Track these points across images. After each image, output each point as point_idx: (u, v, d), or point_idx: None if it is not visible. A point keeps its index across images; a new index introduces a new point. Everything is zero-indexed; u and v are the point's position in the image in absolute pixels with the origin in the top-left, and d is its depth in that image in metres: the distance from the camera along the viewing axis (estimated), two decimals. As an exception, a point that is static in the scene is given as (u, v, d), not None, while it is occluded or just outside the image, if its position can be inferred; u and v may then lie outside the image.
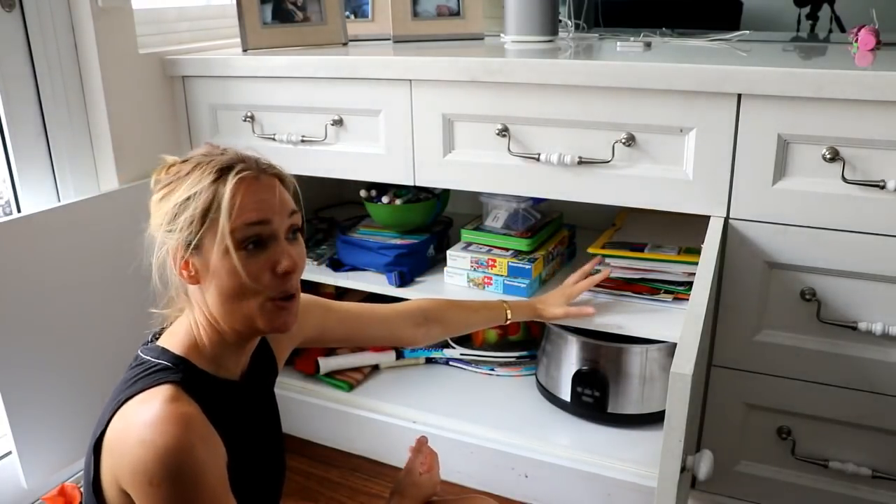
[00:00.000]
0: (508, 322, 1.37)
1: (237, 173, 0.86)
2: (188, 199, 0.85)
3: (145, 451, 0.78)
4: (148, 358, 0.88)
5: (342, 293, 1.87)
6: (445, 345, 1.82)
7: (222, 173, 0.86)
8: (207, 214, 0.84)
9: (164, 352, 0.89)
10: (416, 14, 1.69)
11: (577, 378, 1.52)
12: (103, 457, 0.84)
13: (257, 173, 0.88)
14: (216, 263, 0.85)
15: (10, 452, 1.35)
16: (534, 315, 1.40)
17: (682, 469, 0.88)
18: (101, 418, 0.86)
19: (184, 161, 0.91)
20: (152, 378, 0.85)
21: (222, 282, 0.86)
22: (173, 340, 0.91)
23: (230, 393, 0.93)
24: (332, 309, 1.16)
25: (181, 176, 0.87)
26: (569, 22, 1.77)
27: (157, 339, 0.94)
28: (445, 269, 1.54)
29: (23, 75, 1.40)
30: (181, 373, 0.86)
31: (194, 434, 0.81)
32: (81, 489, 0.96)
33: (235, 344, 0.93)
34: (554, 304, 1.39)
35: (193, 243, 0.85)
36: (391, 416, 1.63)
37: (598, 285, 1.44)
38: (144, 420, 0.80)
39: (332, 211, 2.03)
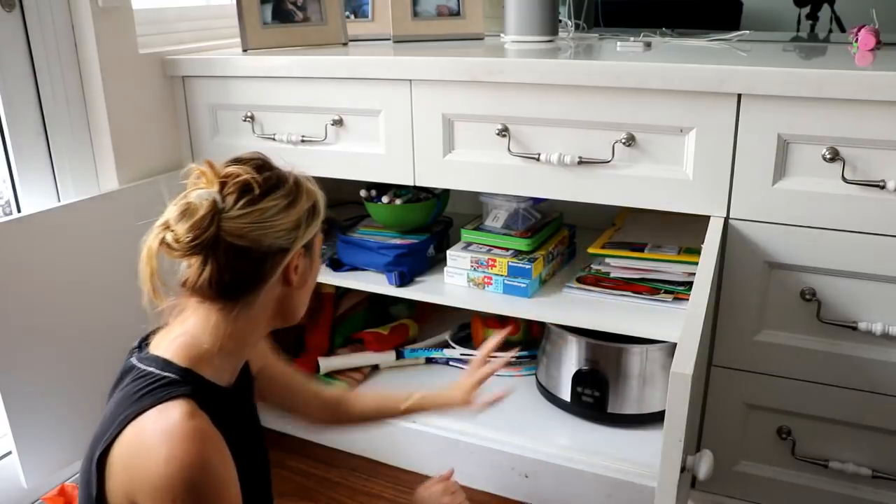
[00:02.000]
0: (403, 411, 1.25)
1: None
2: (315, 204, 0.95)
3: (168, 468, 0.78)
4: (150, 369, 0.87)
5: (342, 293, 1.87)
6: (445, 345, 1.82)
7: (318, 192, 0.98)
8: (319, 219, 0.96)
9: (168, 363, 0.88)
10: (416, 14, 1.69)
11: (577, 378, 1.52)
12: (111, 473, 0.83)
13: None
14: (317, 259, 0.99)
15: (10, 452, 1.35)
16: (437, 409, 1.28)
17: (682, 469, 0.88)
18: (103, 432, 0.85)
19: (270, 169, 0.93)
20: (162, 392, 0.84)
21: (316, 276, 1.00)
22: (174, 349, 0.89)
23: (230, 401, 0.94)
24: (271, 360, 1.16)
25: (291, 184, 0.93)
26: (569, 22, 1.77)
27: (146, 345, 0.92)
28: (445, 268, 1.54)
29: (23, 75, 1.40)
30: (190, 385, 0.86)
31: (213, 449, 0.82)
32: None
33: (251, 346, 0.96)
34: (456, 399, 1.26)
35: (308, 244, 0.95)
36: (391, 416, 1.63)
37: (598, 285, 1.44)
38: (164, 437, 0.80)
39: (332, 211, 2.00)
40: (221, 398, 0.91)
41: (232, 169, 0.89)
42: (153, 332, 0.95)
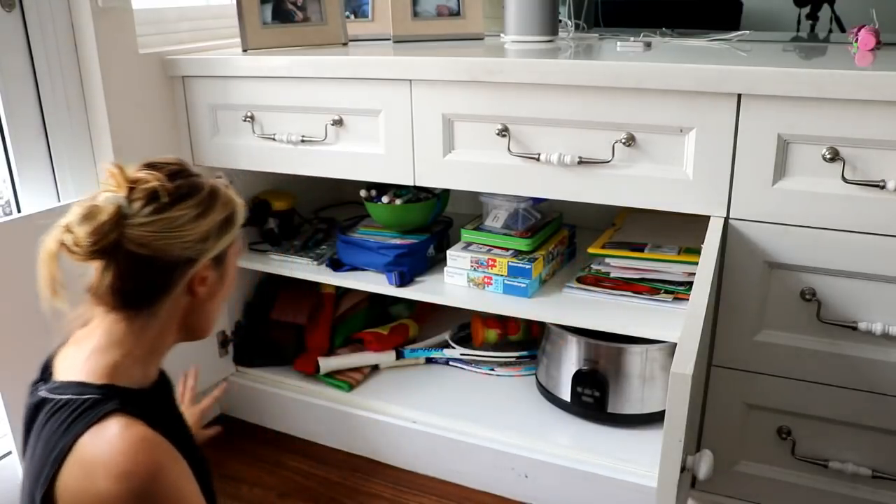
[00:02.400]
0: None
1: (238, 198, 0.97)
2: (231, 216, 0.93)
3: (124, 484, 0.77)
4: (67, 397, 0.85)
5: (342, 293, 1.87)
6: (445, 345, 1.82)
7: (238, 201, 0.97)
8: (234, 231, 0.94)
9: (84, 385, 0.86)
10: (416, 14, 1.69)
11: (577, 378, 1.52)
12: None
13: None
14: (231, 272, 0.97)
15: (10, 452, 1.35)
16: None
17: (682, 469, 0.88)
18: (38, 473, 0.82)
19: (185, 177, 0.91)
20: (90, 415, 0.82)
21: (229, 289, 0.98)
22: (87, 370, 0.87)
23: (154, 401, 0.93)
24: None
25: (206, 194, 0.90)
26: (569, 22, 1.77)
27: (50, 375, 0.90)
28: (445, 268, 1.54)
29: (23, 75, 1.40)
30: (115, 398, 0.84)
31: (161, 452, 0.81)
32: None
33: (162, 354, 0.95)
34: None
35: (220, 257, 0.93)
36: (391, 416, 1.63)
37: (597, 285, 1.44)
38: (110, 456, 0.79)
39: (332, 211, 2.03)
40: (147, 401, 0.90)
41: (142, 174, 0.87)
42: (52, 359, 0.93)
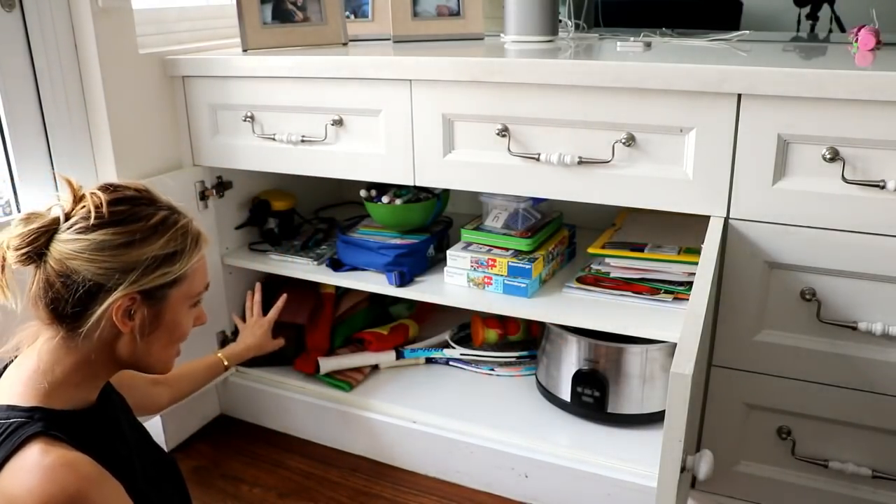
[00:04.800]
0: (227, 368, 1.46)
1: (202, 239, 0.95)
2: (174, 254, 0.89)
3: None
4: None
5: (342, 293, 1.87)
6: (445, 345, 1.82)
7: (199, 236, 0.93)
8: (185, 272, 0.91)
9: (11, 408, 0.86)
10: (416, 14, 1.69)
11: (577, 378, 1.52)
12: None
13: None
14: (173, 316, 0.93)
15: None
16: (246, 352, 1.54)
17: (682, 469, 0.88)
18: None
19: (135, 203, 0.89)
20: (11, 441, 0.82)
21: (174, 332, 0.95)
22: (19, 392, 0.88)
23: (93, 421, 0.92)
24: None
25: (147, 226, 0.88)
26: (569, 22, 1.77)
27: None
28: (445, 268, 1.54)
29: (23, 75, 1.40)
30: (41, 422, 0.84)
31: (82, 477, 0.80)
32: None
33: (101, 378, 0.94)
34: (255, 343, 1.56)
35: (156, 295, 0.90)
36: (391, 416, 1.63)
37: (597, 285, 1.44)
38: (29, 485, 0.78)
39: (332, 211, 2.03)
40: (82, 422, 0.89)
41: (87, 192, 0.88)
42: None
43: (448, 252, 1.54)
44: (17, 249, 0.85)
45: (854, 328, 1.19)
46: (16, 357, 0.94)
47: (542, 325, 1.64)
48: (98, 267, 0.85)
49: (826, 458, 1.28)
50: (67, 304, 0.86)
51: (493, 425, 1.56)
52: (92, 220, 0.86)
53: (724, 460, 1.34)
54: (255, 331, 1.58)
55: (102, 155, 1.52)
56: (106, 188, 0.90)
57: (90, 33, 1.44)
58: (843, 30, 1.67)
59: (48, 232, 0.86)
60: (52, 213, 0.87)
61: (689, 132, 1.21)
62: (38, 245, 0.85)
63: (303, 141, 1.52)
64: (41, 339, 0.91)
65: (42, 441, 0.82)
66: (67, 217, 0.87)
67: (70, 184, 0.88)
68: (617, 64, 1.22)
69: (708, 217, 1.23)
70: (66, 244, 0.85)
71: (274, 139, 1.54)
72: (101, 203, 0.86)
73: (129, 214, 0.88)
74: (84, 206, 0.87)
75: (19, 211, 1.43)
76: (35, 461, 0.80)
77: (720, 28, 1.64)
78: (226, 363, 1.45)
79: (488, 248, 1.52)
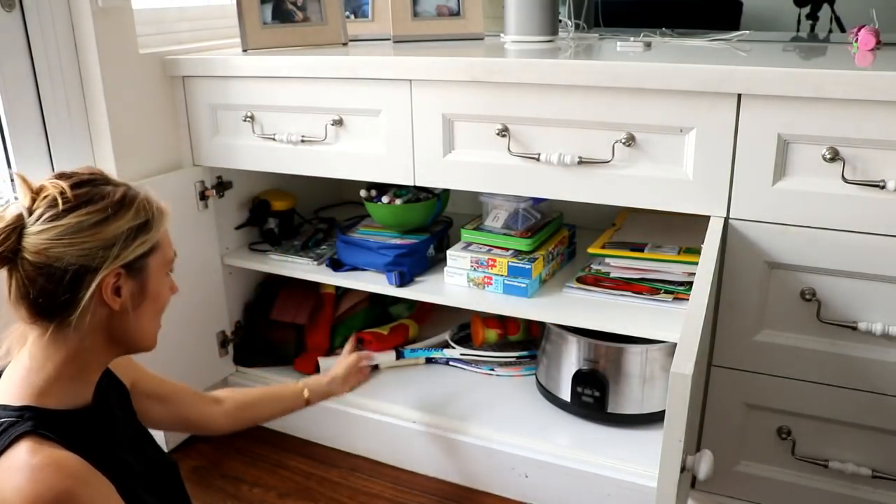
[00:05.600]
0: (307, 402, 1.41)
1: (164, 207, 0.96)
2: (146, 223, 0.91)
3: None
4: None
5: (342, 293, 1.87)
6: (445, 345, 1.82)
7: (160, 204, 0.95)
8: (158, 239, 0.93)
9: (2, 408, 0.86)
10: (416, 14, 1.69)
11: (577, 378, 1.52)
12: None
13: None
14: (155, 285, 0.94)
15: None
16: (327, 395, 1.47)
17: (682, 469, 0.88)
18: None
19: (95, 185, 0.90)
20: (2, 439, 0.82)
21: (157, 301, 0.96)
22: (10, 391, 0.88)
23: (89, 420, 0.92)
24: (141, 373, 1.15)
25: (114, 201, 0.89)
26: (569, 22, 1.77)
27: None
28: (445, 268, 1.54)
29: (23, 75, 1.40)
30: (31, 420, 0.84)
31: (71, 477, 0.80)
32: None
33: (95, 371, 0.94)
34: (341, 382, 1.49)
35: (137, 266, 0.90)
36: (391, 416, 1.63)
37: (597, 285, 1.44)
38: (17, 485, 0.78)
39: (332, 211, 2.03)
40: (75, 421, 0.89)
41: (46, 183, 0.88)
42: None
43: (448, 252, 1.54)
44: None
45: (854, 328, 1.19)
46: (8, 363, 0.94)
47: (542, 325, 1.64)
48: (80, 248, 0.85)
49: (826, 458, 1.28)
50: (55, 295, 0.86)
51: (493, 425, 1.56)
52: (60, 207, 0.85)
53: (724, 460, 1.34)
54: (350, 379, 1.52)
55: (102, 155, 1.52)
56: (61, 176, 0.90)
57: (90, 33, 1.44)
58: (843, 30, 1.67)
59: (16, 228, 0.85)
60: (11, 212, 0.86)
61: (689, 132, 1.21)
62: (9, 244, 0.84)
63: (303, 141, 1.52)
64: (30, 338, 0.90)
65: (31, 440, 0.82)
66: (30, 211, 0.86)
67: (24, 180, 0.88)
68: (617, 64, 1.22)
69: (708, 217, 1.23)
70: (39, 235, 0.85)
71: (274, 139, 1.54)
72: (64, 189, 0.86)
73: (94, 194, 0.88)
74: (45, 197, 0.86)
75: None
76: (23, 460, 0.80)
77: (720, 28, 1.64)
78: (306, 394, 1.40)
79: (488, 248, 1.52)
